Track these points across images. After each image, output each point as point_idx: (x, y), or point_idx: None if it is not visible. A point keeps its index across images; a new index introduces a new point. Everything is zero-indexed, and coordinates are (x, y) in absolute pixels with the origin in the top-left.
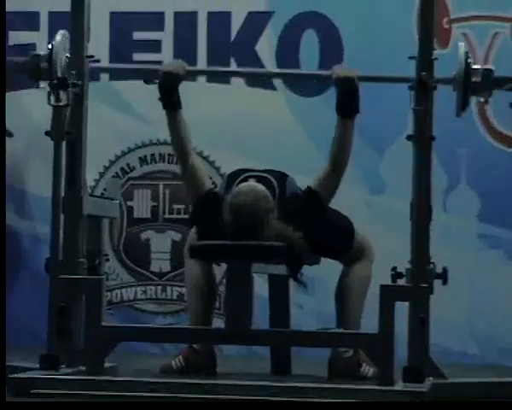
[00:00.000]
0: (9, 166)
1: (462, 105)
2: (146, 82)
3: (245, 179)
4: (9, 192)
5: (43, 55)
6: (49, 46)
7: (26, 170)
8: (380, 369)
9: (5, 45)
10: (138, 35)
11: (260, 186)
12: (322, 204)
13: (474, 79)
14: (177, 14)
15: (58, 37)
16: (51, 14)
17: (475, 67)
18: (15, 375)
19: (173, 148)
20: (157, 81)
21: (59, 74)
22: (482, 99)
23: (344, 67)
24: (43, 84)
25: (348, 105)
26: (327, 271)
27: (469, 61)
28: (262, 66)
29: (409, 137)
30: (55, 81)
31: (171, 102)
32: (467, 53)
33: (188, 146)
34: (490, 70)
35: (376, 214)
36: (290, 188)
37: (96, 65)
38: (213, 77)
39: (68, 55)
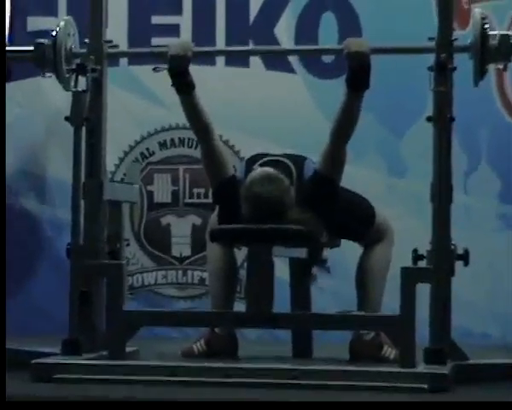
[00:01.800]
0: (29, 152)
1: (480, 73)
2: (155, 70)
3: (263, 164)
4: (30, 179)
5: (47, 43)
6: (53, 33)
7: (46, 156)
8: (401, 351)
9: (5, 45)
10: (156, 19)
11: (275, 172)
12: (334, 183)
13: (491, 44)
14: None
15: (62, 23)
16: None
17: (492, 32)
18: (38, 360)
19: (194, 131)
20: (166, 67)
21: (63, 62)
22: (501, 66)
23: (356, 41)
24: (48, 73)
25: (359, 80)
26: (347, 253)
27: (486, 26)
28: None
29: (429, 119)
30: (75, 66)
31: (183, 85)
32: (483, 18)
33: (208, 128)
34: (507, 35)
35: (397, 196)
36: (308, 171)
37: (110, 50)
38: (224, 55)
39: (72, 43)
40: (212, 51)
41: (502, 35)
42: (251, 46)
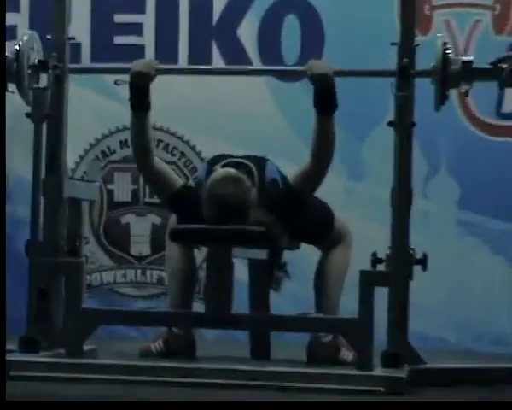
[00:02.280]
0: None
1: (441, 99)
2: (116, 83)
3: (225, 165)
4: None
5: (11, 57)
6: (16, 47)
7: (7, 152)
8: (358, 354)
9: (5, 45)
10: (120, 18)
11: (236, 173)
12: (301, 199)
13: (452, 71)
14: None
15: (25, 37)
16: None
17: (454, 58)
18: None
19: (135, 151)
20: (127, 81)
21: (26, 78)
22: (462, 91)
23: (318, 63)
24: (11, 87)
25: (325, 102)
26: (306, 256)
27: (448, 52)
28: (243, 49)
29: (390, 124)
30: (36, 63)
31: (140, 103)
32: (445, 44)
33: (151, 152)
34: (469, 61)
35: (356, 201)
36: (270, 173)
37: (75, 66)
38: (184, 73)
39: (36, 57)
40: (175, 69)
41: (463, 61)
42: (214, 47)
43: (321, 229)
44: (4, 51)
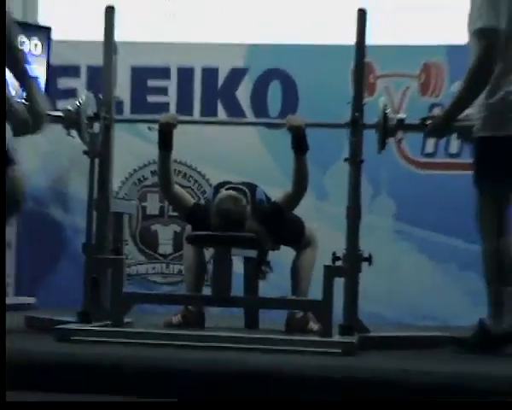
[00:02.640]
0: (57, 175)
1: (382, 145)
2: (149, 129)
3: (227, 189)
4: (56, 195)
5: (73, 110)
6: (77, 103)
7: (69, 179)
8: (322, 326)
9: (5, 46)
10: (151, 82)
11: (236, 194)
12: (284, 215)
13: (390, 126)
14: (179, 68)
15: (83, 96)
16: (89, 66)
17: (391, 115)
18: (60, 326)
19: (160, 182)
20: (156, 129)
21: (84, 126)
22: (397, 140)
23: (295, 117)
24: (73, 132)
25: (299, 146)
26: (284, 255)
27: (387, 111)
28: (240, 107)
29: (345, 160)
30: (91, 115)
31: (165, 144)
32: (385, 105)
33: (172, 179)
34: (402, 119)
35: (322, 215)
36: (259, 195)
37: (119, 117)
38: (198, 123)
39: (91, 110)
40: (191, 120)
41: (398, 119)
42: (219, 105)
43: (296, 236)
44: (4, 51)
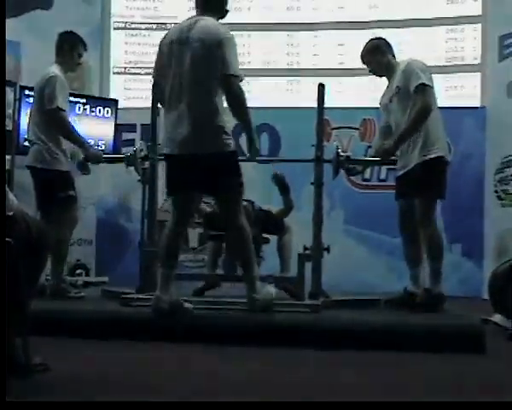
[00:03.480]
0: (122, 196)
1: (335, 174)
2: None
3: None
4: (122, 209)
5: (132, 153)
6: (134, 149)
7: (130, 198)
8: (297, 293)
9: (5, 46)
10: None
11: (247, 204)
12: (276, 220)
13: (340, 160)
14: None
15: (138, 144)
16: (142, 124)
17: (342, 154)
18: (124, 295)
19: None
20: None
21: (138, 162)
22: (347, 171)
23: (278, 173)
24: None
25: (283, 190)
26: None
27: (338, 150)
28: (242, 149)
29: (312, 183)
30: (143, 156)
31: None
32: (337, 147)
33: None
34: (348, 156)
35: (298, 220)
36: (256, 207)
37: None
38: None
39: (145, 152)
40: None
41: (346, 156)
42: None
43: (279, 229)
44: (4, 51)
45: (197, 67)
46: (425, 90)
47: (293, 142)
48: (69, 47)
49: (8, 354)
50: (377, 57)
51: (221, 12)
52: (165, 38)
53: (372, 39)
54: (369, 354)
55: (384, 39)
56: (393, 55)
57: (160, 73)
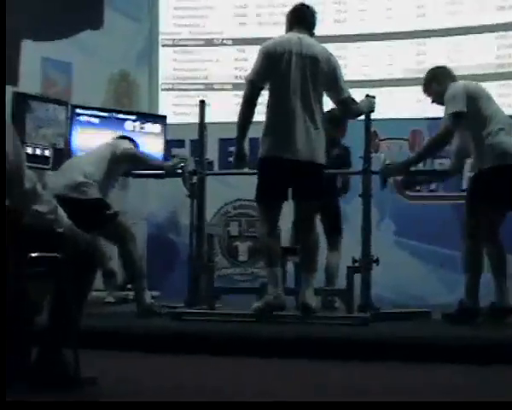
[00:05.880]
0: (171, 211)
1: (383, 186)
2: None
3: None
4: (171, 223)
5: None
6: (182, 165)
7: (179, 213)
8: (347, 305)
9: (5, 46)
10: (231, 148)
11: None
12: None
13: (385, 173)
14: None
15: (187, 161)
16: (191, 140)
17: (389, 164)
18: (173, 310)
19: None
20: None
21: (187, 177)
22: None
23: None
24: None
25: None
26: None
27: (387, 162)
28: None
29: (359, 195)
30: (192, 171)
31: None
32: (385, 158)
33: None
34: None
35: (348, 232)
36: None
37: (209, 172)
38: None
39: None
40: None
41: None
42: None
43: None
44: (4, 51)
45: (311, 80)
46: (448, 119)
47: None
48: None
49: (58, 368)
50: (434, 87)
51: (313, 30)
52: (274, 48)
53: (430, 69)
54: (411, 366)
55: (442, 67)
56: (454, 80)
57: (264, 77)
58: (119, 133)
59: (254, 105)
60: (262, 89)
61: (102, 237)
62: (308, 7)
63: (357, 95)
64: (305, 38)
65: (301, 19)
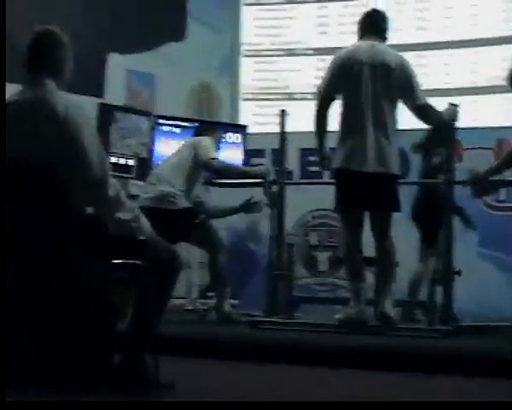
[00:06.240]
0: (250, 221)
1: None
2: None
3: None
4: (250, 233)
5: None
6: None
7: (258, 223)
8: (428, 317)
9: (5, 46)
10: (311, 158)
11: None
12: None
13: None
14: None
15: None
16: (272, 149)
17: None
18: (251, 318)
19: None
20: None
21: (266, 185)
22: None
23: None
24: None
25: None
26: None
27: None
28: None
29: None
30: (272, 181)
31: None
32: (471, 170)
33: None
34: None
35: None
36: None
37: (288, 181)
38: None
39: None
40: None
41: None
42: None
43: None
44: (4, 50)
45: (383, 90)
46: None
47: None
48: None
49: (138, 372)
50: None
51: (385, 36)
52: (344, 58)
53: None
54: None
55: None
56: None
57: (334, 89)
58: None
59: (326, 116)
60: (333, 99)
61: (194, 244)
62: (379, 12)
63: (439, 103)
64: (377, 45)
65: (373, 25)
